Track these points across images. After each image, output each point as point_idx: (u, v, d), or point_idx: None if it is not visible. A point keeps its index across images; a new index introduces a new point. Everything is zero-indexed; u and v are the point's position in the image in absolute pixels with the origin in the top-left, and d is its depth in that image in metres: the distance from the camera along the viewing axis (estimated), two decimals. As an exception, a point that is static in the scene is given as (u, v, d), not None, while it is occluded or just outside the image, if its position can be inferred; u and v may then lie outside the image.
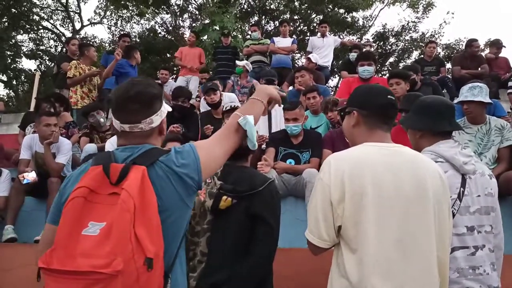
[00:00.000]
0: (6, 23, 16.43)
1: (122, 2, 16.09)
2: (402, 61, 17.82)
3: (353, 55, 6.91)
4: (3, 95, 19.72)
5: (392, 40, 17.84)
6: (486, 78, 6.22)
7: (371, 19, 17.89)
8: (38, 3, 17.52)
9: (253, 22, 14.49)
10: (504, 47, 7.08)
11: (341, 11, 16.60)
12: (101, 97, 6.32)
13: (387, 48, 17.92)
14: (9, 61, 17.55)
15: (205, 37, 11.62)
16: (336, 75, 16.38)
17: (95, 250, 1.11)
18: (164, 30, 17.77)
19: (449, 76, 7.29)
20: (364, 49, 7.24)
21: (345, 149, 1.57)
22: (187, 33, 16.17)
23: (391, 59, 18.14)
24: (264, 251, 1.86)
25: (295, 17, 17.50)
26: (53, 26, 18.66)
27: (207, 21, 12.97)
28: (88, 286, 1.08)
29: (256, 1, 17.11)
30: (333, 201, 1.41)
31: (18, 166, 3.96)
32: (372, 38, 17.17)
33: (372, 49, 8.46)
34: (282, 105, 2.40)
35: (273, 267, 1.98)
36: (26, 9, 16.70)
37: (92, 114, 4.71)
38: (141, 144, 1.38)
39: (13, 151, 4.61)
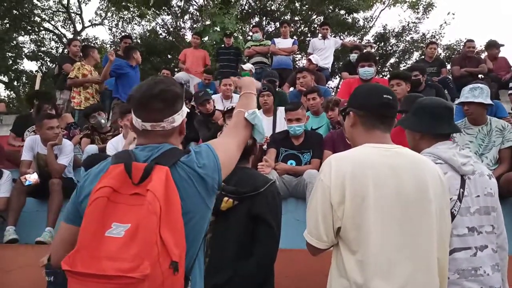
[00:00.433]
0: (8, 25, 16.46)
1: (123, 4, 16.11)
2: (402, 62, 17.83)
3: (353, 56, 6.91)
4: (4, 96, 19.77)
5: (392, 41, 17.83)
6: (486, 79, 6.23)
7: (371, 20, 17.91)
8: (39, 4, 17.59)
9: (253, 23, 14.53)
10: (502, 45, 7.09)
11: (342, 12, 16.59)
12: (102, 98, 6.34)
13: (387, 49, 17.91)
14: (10, 62, 17.59)
15: (206, 38, 11.63)
16: (337, 76, 16.38)
17: (120, 253, 1.08)
18: (165, 31, 17.79)
19: (450, 77, 7.29)
20: (364, 50, 7.24)
21: (345, 150, 1.56)
22: (188, 34, 16.24)
23: (392, 60, 18.14)
24: (265, 252, 1.86)
25: (296, 18, 17.50)
26: (54, 28, 18.72)
27: (208, 22, 12.99)
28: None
29: (257, 2, 17.12)
30: (333, 203, 1.41)
31: (20, 168, 3.97)
32: (373, 39, 17.17)
33: (373, 50, 8.46)
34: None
35: (274, 268, 1.98)
36: (27, 10, 16.73)
37: (94, 116, 4.72)
38: (161, 144, 1.36)
39: (15, 153, 4.61)
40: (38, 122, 4.00)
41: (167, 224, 1.13)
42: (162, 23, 17.69)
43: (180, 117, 1.40)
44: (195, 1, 16.43)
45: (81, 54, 6.39)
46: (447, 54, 16.33)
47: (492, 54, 7.07)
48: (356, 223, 1.38)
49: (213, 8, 12.34)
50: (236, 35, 12.25)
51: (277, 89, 5.67)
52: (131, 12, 17.22)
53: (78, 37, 17.33)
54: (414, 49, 17.40)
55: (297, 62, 16.13)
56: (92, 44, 13.69)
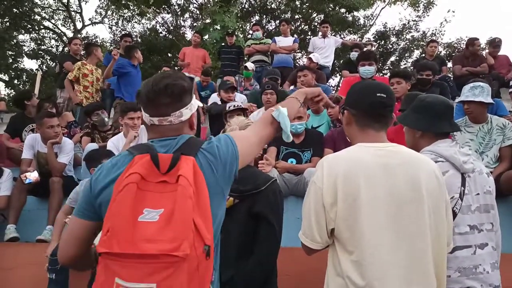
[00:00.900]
0: (8, 23, 16.44)
1: (123, 2, 16.07)
2: (403, 60, 17.80)
3: (354, 54, 6.91)
4: (4, 95, 19.74)
5: (393, 39, 17.80)
6: (487, 77, 6.21)
7: (372, 18, 17.88)
8: (39, 3, 17.54)
9: (254, 22, 14.50)
10: (500, 41, 7.05)
11: (342, 10, 16.56)
12: (103, 97, 6.34)
13: (388, 47, 17.88)
14: (11, 61, 17.57)
15: (206, 37, 11.61)
16: (337, 75, 16.37)
17: (157, 235, 1.08)
18: (165, 29, 17.76)
19: (450, 75, 7.28)
20: (365, 49, 7.24)
21: (346, 147, 1.56)
22: (188, 33, 16.22)
23: (392, 58, 18.11)
24: (267, 250, 1.86)
25: (296, 16, 17.47)
26: (54, 26, 18.69)
27: (208, 21, 12.96)
28: (158, 270, 1.05)
29: (257, 1, 17.09)
30: (325, 205, 1.40)
31: (20, 166, 3.97)
32: (373, 37, 17.15)
33: (373, 48, 8.44)
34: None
35: (277, 266, 1.98)
36: (27, 9, 16.70)
37: (96, 113, 4.72)
38: (177, 136, 1.37)
39: (15, 151, 4.61)
40: (39, 121, 4.01)
41: (198, 210, 1.14)
42: (162, 22, 17.67)
43: (188, 111, 1.40)
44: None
45: (82, 52, 6.39)
46: (448, 52, 16.31)
47: (493, 52, 7.04)
48: (349, 224, 1.38)
49: (214, 6, 12.30)
50: (236, 33, 12.23)
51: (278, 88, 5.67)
52: (131, 11, 17.18)
53: (78, 36, 17.33)
54: (415, 47, 17.37)
55: (297, 61, 16.13)
56: (97, 43, 13.62)
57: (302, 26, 17.70)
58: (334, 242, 1.44)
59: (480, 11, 35.28)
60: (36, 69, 17.66)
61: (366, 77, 4.66)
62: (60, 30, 18.80)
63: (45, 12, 18.29)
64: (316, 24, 16.14)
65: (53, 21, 18.63)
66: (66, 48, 17.93)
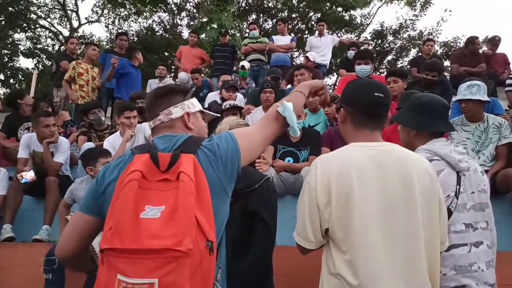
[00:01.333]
0: (3, 22, 16.35)
1: (120, 1, 16.02)
2: (400, 59, 17.85)
3: (350, 53, 6.92)
4: (0, 94, 19.67)
5: (390, 38, 17.85)
6: (484, 76, 6.22)
7: (369, 17, 17.91)
8: (35, 1, 17.45)
9: (251, 21, 14.49)
10: (500, 40, 7.06)
11: (339, 9, 16.58)
12: (99, 96, 6.32)
13: (385, 46, 17.93)
14: (6, 59, 17.47)
15: (203, 36, 11.59)
16: (334, 73, 16.38)
17: (160, 231, 1.08)
18: (162, 28, 17.73)
19: (446, 74, 7.29)
20: (362, 47, 7.24)
21: (343, 146, 1.56)
22: (185, 32, 16.18)
23: (389, 57, 18.17)
24: (262, 249, 1.85)
25: (293, 15, 17.47)
26: (50, 25, 18.60)
27: (205, 20, 12.93)
28: (162, 265, 1.05)
29: (254, -1, 17.09)
30: (319, 205, 1.40)
31: (16, 165, 3.95)
32: (370, 36, 17.19)
33: (370, 47, 8.46)
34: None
35: (273, 265, 1.98)
36: (23, 7, 16.62)
37: (94, 111, 4.71)
38: (175, 134, 1.40)
39: (11, 150, 4.58)
40: (35, 120, 3.99)
41: (199, 206, 1.15)
42: (159, 20, 17.64)
43: (179, 109, 1.46)
44: (192, -2, 16.39)
45: (78, 52, 6.38)
46: (444, 51, 16.37)
47: (491, 49, 7.04)
48: (342, 224, 1.38)
49: (210, 5, 12.28)
50: (233, 32, 12.22)
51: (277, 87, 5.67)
52: (128, 9, 17.13)
53: (75, 35, 17.25)
54: (411, 46, 17.43)
55: (294, 60, 16.13)
56: (93, 42, 13.54)
57: (299, 25, 17.70)
58: (328, 241, 1.44)
59: (477, 10, 35.42)
60: (32, 68, 17.61)
61: (362, 76, 4.66)
62: (56, 28, 18.74)
63: (41, 11, 18.19)
64: (313, 23, 16.16)
65: (49, 19, 18.55)
66: (62, 47, 17.88)
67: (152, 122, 1.46)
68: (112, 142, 3.92)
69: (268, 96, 4.59)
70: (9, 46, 17.34)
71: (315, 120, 4.50)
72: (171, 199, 1.13)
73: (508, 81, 5.06)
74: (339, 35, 16.23)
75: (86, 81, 5.96)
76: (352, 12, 16.78)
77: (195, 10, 16.05)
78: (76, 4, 18.24)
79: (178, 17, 17.21)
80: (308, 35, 13.84)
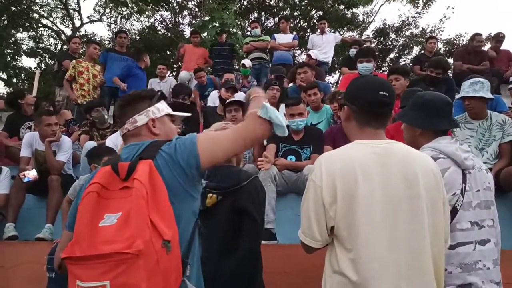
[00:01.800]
0: (6, 21, 16.38)
1: (122, 0, 16.03)
2: (402, 57, 17.77)
3: (352, 51, 6.89)
4: (3, 93, 19.72)
5: (392, 36, 17.77)
6: (487, 73, 6.19)
7: (371, 15, 17.83)
8: (37, 1, 17.47)
9: (252, 19, 14.46)
10: (504, 37, 7.01)
11: (341, 7, 16.52)
12: (101, 95, 6.33)
13: (387, 44, 17.85)
14: (9, 59, 17.53)
15: (205, 34, 11.58)
16: (337, 71, 16.34)
17: (115, 236, 1.15)
18: (164, 27, 17.73)
19: (449, 71, 7.24)
20: (364, 45, 7.21)
21: (346, 144, 1.55)
22: (187, 30, 16.16)
23: (392, 55, 18.09)
24: (249, 246, 1.84)
25: (295, 13, 17.43)
26: (52, 24, 18.63)
27: (206, 18, 12.92)
28: (112, 268, 1.12)
29: (256, -3, 17.06)
30: (325, 203, 1.39)
31: (19, 164, 3.96)
32: (373, 34, 17.11)
33: (373, 45, 8.42)
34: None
35: (275, 264, 1.98)
36: (25, 7, 16.65)
37: (97, 109, 4.72)
38: (140, 142, 1.46)
39: (14, 149, 4.59)
40: (37, 119, 4.00)
41: (155, 208, 1.22)
42: (161, 19, 17.63)
43: (144, 117, 1.51)
44: (194, -3, 16.37)
45: (81, 51, 6.40)
46: (447, 48, 16.30)
47: (495, 46, 6.99)
48: (348, 222, 1.37)
49: (212, 4, 12.26)
50: (235, 30, 12.20)
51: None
52: (130, 8, 17.13)
53: (77, 34, 17.28)
54: (414, 44, 17.34)
55: (296, 58, 16.09)
56: (94, 40, 13.53)
57: (301, 23, 17.66)
58: (333, 240, 1.43)
59: (479, 7, 35.22)
60: (34, 68, 17.65)
61: (365, 74, 4.65)
62: (59, 28, 18.77)
63: (43, 10, 18.23)
64: (315, 21, 16.11)
65: (51, 19, 18.59)
66: (65, 46, 17.91)
67: (120, 131, 1.52)
68: (114, 141, 3.92)
69: (275, 94, 4.58)
70: (12, 45, 17.40)
71: (318, 118, 4.49)
72: (128, 205, 1.21)
73: (511, 79, 5.04)
74: (341, 33, 16.17)
75: (87, 80, 5.97)
76: (354, 10, 16.73)
77: (197, 9, 16.04)
78: (78, 3, 18.30)
79: (180, 15, 17.21)
80: (310, 33, 13.80)
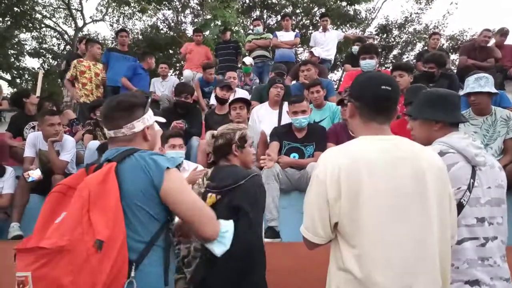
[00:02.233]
0: (9, 22, 16.46)
1: (124, -1, 16.05)
2: (405, 53, 17.69)
3: (355, 48, 6.87)
4: (7, 93, 19.79)
5: (395, 32, 17.69)
6: (491, 69, 6.14)
7: (374, 11, 17.76)
8: (40, 1, 17.51)
9: (255, 17, 14.44)
10: (508, 31, 6.94)
11: (343, 3, 16.46)
12: (105, 94, 6.34)
13: (390, 40, 17.77)
14: (13, 59, 17.61)
15: (207, 33, 11.58)
16: (339, 69, 16.29)
17: (53, 232, 1.27)
18: (166, 26, 17.74)
19: (452, 68, 7.21)
20: (367, 42, 7.18)
21: (348, 141, 1.54)
22: (189, 29, 16.16)
23: (395, 52, 18.01)
24: (242, 243, 1.80)
25: (297, 11, 17.39)
26: (55, 24, 18.67)
27: (209, 17, 12.92)
28: (34, 261, 1.23)
29: (258, -5, 17.02)
30: (329, 199, 1.38)
31: (23, 164, 3.97)
32: (375, 31, 17.05)
33: (375, 42, 8.38)
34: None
35: (279, 262, 1.97)
36: (28, 7, 16.70)
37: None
38: (123, 147, 1.54)
39: (18, 149, 4.61)
40: (40, 118, 4.01)
41: (98, 207, 1.30)
42: (163, 18, 17.65)
43: (140, 124, 1.58)
44: (196, -5, 16.37)
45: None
46: (451, 44, 16.20)
47: (500, 41, 6.94)
48: (353, 218, 1.35)
49: (214, 2, 12.26)
50: (237, 28, 12.19)
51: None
52: (132, 8, 17.14)
53: (80, 34, 17.32)
54: (417, 40, 17.26)
55: (299, 55, 16.06)
56: (96, 40, 13.56)
57: (303, 20, 17.61)
58: (337, 236, 1.42)
59: (483, 3, 34.98)
60: (38, 68, 17.71)
61: (367, 71, 4.62)
62: (62, 28, 18.82)
63: (46, 11, 18.27)
64: (317, 18, 16.07)
65: (54, 19, 18.62)
66: (68, 47, 17.98)
67: (113, 132, 1.56)
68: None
69: (279, 92, 4.56)
70: (15, 46, 17.46)
71: (320, 116, 4.47)
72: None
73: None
74: (343, 30, 16.12)
75: (89, 79, 5.97)
76: (357, 6, 16.65)
77: (199, 8, 16.04)
78: (80, 3, 18.31)
79: (182, 14, 17.22)
80: (313, 31, 13.77)
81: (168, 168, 1.45)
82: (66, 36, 18.48)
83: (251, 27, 10.08)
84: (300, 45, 15.98)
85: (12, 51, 17.45)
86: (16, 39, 17.35)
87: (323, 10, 16.10)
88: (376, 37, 10.87)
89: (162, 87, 7.09)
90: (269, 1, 17.01)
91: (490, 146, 3.38)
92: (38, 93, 7.46)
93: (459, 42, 15.45)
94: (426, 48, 8.59)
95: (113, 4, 17.48)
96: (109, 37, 18.67)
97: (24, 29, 17.51)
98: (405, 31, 17.56)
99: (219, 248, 1.52)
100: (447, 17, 16.89)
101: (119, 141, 1.56)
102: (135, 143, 1.57)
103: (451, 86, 4.43)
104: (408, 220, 1.35)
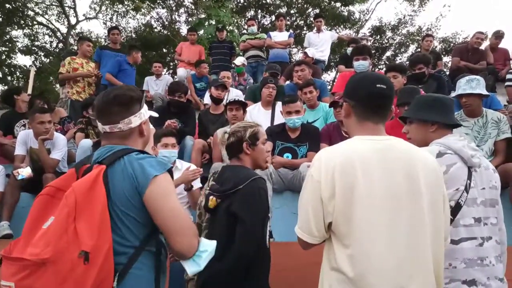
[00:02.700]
0: (1, 19, 16.27)
1: (118, -3, 15.96)
2: (399, 55, 17.82)
3: (350, 50, 6.89)
4: (-2, 91, 19.58)
5: (388, 34, 17.80)
6: (483, 72, 6.21)
7: (367, 13, 17.86)
8: (32, -2, 17.36)
9: (249, 17, 14.44)
10: (503, 34, 7.01)
11: (338, 4, 16.53)
12: (97, 92, 6.30)
13: (383, 42, 17.88)
14: (4, 57, 17.41)
15: (201, 32, 11.55)
16: (333, 69, 16.34)
17: (38, 240, 1.24)
18: (160, 25, 17.67)
19: (445, 70, 7.27)
20: (360, 43, 7.21)
21: (341, 141, 1.54)
22: (184, 28, 16.12)
23: (388, 53, 18.13)
24: (238, 249, 1.79)
25: (292, 11, 17.42)
26: (48, 22, 18.49)
27: (203, 16, 12.89)
28: (18, 271, 1.20)
29: (252, -5, 17.02)
30: (323, 198, 1.38)
31: (13, 162, 3.93)
32: (369, 32, 17.13)
33: (369, 43, 8.42)
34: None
35: (272, 260, 1.96)
36: (20, 4, 16.53)
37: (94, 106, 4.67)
38: (116, 145, 1.47)
39: (9, 147, 4.56)
40: (31, 116, 3.97)
41: (85, 215, 1.25)
42: (157, 17, 17.57)
43: (137, 119, 1.53)
44: (190, -6, 16.31)
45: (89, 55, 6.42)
46: (443, 46, 16.34)
47: (495, 43, 7.01)
48: (347, 217, 1.36)
49: (209, 1, 12.23)
50: (231, 28, 12.18)
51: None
52: (126, 6, 17.05)
53: (72, 32, 17.20)
54: (410, 42, 17.39)
55: (293, 56, 16.09)
56: (87, 37, 13.49)
57: (298, 21, 17.65)
58: (331, 236, 1.42)
59: (476, 5, 35.32)
60: (29, 65, 17.53)
61: (361, 72, 4.64)
62: (54, 26, 18.64)
63: (38, 8, 18.07)
64: (311, 19, 16.11)
65: (46, 16, 18.43)
66: (60, 44, 17.83)
67: (109, 127, 1.49)
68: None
69: (272, 92, 4.57)
70: (7, 43, 17.26)
71: (314, 116, 4.48)
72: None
73: (508, 76, 5.05)
74: (337, 30, 16.18)
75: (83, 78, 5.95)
76: (351, 7, 16.75)
77: (193, 7, 15.99)
78: (73, 1, 18.15)
79: (176, 13, 17.17)
80: (307, 31, 13.80)
81: (156, 175, 1.37)
82: (58, 34, 18.33)
83: (246, 26, 10.07)
84: (294, 46, 16.02)
85: (4, 48, 17.25)
86: (8, 36, 17.15)
87: (317, 10, 16.17)
88: (370, 38, 10.91)
89: (156, 85, 7.07)
90: (263, 1, 17.03)
91: (481, 148, 3.41)
92: (29, 91, 7.40)
93: (452, 44, 15.58)
94: (419, 50, 8.64)
95: (107, 2, 17.37)
96: (103, 35, 18.57)
97: (16, 26, 17.32)
98: (398, 32, 17.69)
99: (192, 268, 1.41)
100: (440, 20, 17.07)
101: (115, 137, 1.50)
102: (130, 138, 1.52)
103: (439, 87, 4.46)
104: (402, 221, 1.36)
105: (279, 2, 17.13)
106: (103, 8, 18.28)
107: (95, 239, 1.23)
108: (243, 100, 4.50)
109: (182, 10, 17.01)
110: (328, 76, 17.13)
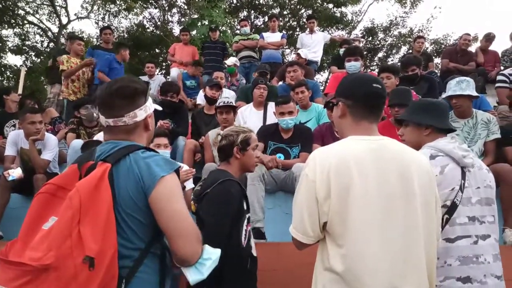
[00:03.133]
0: (-10, 18, 16.08)
1: (110, -4, 15.85)
2: (390, 56, 17.95)
3: (342, 50, 6.92)
4: (-12, 91, 19.29)
5: (380, 35, 17.93)
6: (473, 73, 6.27)
7: (360, 14, 17.96)
8: (23, -3, 17.17)
9: (242, 17, 14.44)
10: (494, 37, 7.08)
11: (330, 6, 16.60)
12: (90, 92, 6.26)
13: (375, 43, 18.00)
14: (-6, 56, 17.22)
15: (194, 32, 11.52)
16: (326, 70, 16.41)
17: (38, 243, 1.16)
18: (153, 25, 17.59)
19: (436, 71, 7.34)
20: (353, 44, 7.25)
21: (334, 142, 1.55)
22: (176, 28, 16.06)
23: (380, 54, 18.25)
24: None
25: (284, 12, 17.45)
26: (39, 21, 18.30)
27: (195, 16, 12.86)
28: (19, 276, 1.12)
29: (245, -4, 17.02)
30: (319, 198, 1.38)
31: (4, 163, 3.89)
32: (361, 34, 17.23)
33: (361, 44, 8.46)
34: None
35: (264, 262, 1.97)
36: (11, 3, 16.34)
37: (86, 107, 4.64)
38: (121, 140, 1.41)
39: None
40: (21, 116, 3.93)
41: (89, 218, 1.18)
42: (150, 17, 17.50)
43: (143, 112, 1.45)
44: (183, -6, 16.26)
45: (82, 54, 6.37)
46: (434, 48, 16.49)
47: (485, 45, 7.08)
48: (342, 217, 1.36)
49: (201, 1, 12.21)
50: (224, 29, 12.17)
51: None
52: (118, 6, 16.94)
53: (64, 31, 17.04)
54: (402, 44, 17.52)
55: (286, 57, 16.12)
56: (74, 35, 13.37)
57: (291, 22, 17.69)
58: (325, 236, 1.43)
59: (466, 7, 35.70)
60: (20, 65, 17.33)
61: (353, 73, 4.66)
62: (45, 25, 18.45)
63: (29, 7, 17.87)
64: (304, 20, 16.16)
65: (37, 15, 18.23)
66: (51, 44, 17.64)
67: (112, 121, 1.41)
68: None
69: (263, 93, 4.57)
70: (-3, 42, 17.07)
71: (306, 117, 4.49)
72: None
73: (498, 77, 5.10)
74: (330, 32, 16.25)
75: (77, 76, 5.92)
76: (343, 9, 16.84)
77: (186, 7, 15.94)
78: (65, 0, 17.99)
79: (169, 13, 17.10)
80: (300, 32, 13.84)
81: (163, 176, 1.32)
82: (50, 33, 18.14)
83: (238, 27, 10.06)
84: (287, 46, 16.05)
85: (-6, 48, 17.06)
86: (-2, 35, 16.97)
87: (310, 12, 16.23)
88: (362, 39, 10.96)
89: (148, 86, 7.03)
90: (256, 2, 17.04)
91: (471, 148, 3.44)
92: (20, 91, 7.30)
93: (443, 46, 15.73)
94: (410, 51, 8.71)
95: (99, 1, 17.25)
96: (94, 35, 18.42)
97: (6, 25, 17.11)
98: (390, 34, 17.82)
99: (194, 276, 1.34)
100: (431, 21, 17.24)
101: (119, 132, 1.42)
102: (136, 133, 1.45)
103: (431, 89, 4.50)
104: (396, 221, 1.37)
105: (272, 3, 17.16)
106: (95, 7, 18.15)
107: (100, 244, 1.17)
108: (234, 100, 4.50)
109: (174, 10, 16.98)
110: (320, 77, 17.23)
